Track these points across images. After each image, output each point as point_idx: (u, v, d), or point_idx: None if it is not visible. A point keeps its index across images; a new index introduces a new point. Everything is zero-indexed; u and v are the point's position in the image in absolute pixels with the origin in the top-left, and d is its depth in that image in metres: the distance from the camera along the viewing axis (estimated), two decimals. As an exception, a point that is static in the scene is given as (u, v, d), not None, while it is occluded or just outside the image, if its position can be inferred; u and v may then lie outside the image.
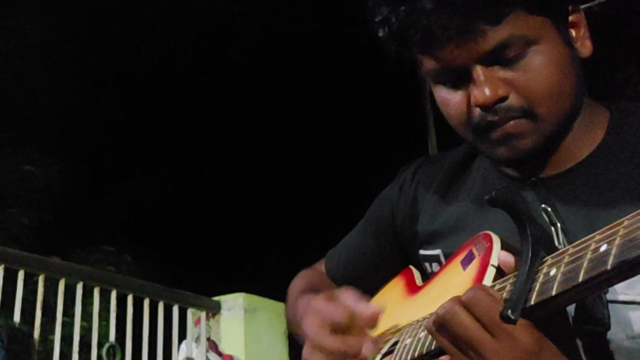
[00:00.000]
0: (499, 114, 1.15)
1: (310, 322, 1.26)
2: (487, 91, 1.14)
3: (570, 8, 1.20)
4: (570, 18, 1.20)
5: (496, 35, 1.12)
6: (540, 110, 1.15)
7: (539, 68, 1.14)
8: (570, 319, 1.05)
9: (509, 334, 0.96)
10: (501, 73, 1.14)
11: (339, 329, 1.23)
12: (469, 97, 1.16)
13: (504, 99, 1.14)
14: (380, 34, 1.21)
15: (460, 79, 1.17)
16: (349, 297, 1.26)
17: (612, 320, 1.05)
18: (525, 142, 1.16)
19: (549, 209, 1.18)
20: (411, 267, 1.44)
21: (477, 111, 1.16)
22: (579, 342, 1.05)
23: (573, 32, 1.20)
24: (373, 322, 1.23)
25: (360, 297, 1.26)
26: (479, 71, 1.14)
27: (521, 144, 1.17)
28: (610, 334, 1.07)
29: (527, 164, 1.22)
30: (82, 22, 10.77)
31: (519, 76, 1.14)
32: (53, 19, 10.00)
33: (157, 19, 11.32)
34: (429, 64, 1.19)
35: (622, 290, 1.06)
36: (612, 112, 1.23)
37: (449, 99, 1.20)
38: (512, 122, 1.15)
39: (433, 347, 1.09)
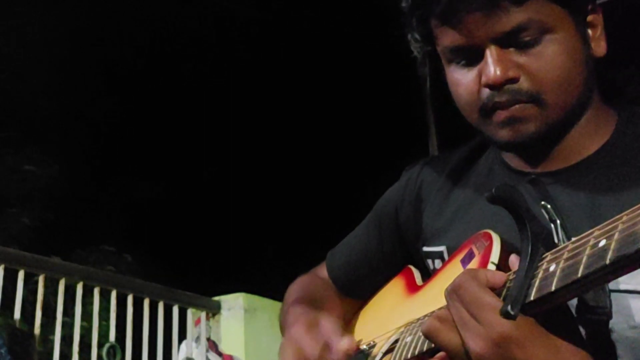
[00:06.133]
0: (507, 95, 1.17)
1: (287, 352, 1.33)
2: (498, 70, 1.16)
3: (589, 7, 1.22)
4: (589, 17, 1.22)
5: (516, 17, 1.15)
6: (548, 97, 1.17)
7: (552, 56, 1.16)
8: (573, 309, 1.05)
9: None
10: (514, 56, 1.17)
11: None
12: (480, 77, 1.19)
13: (513, 80, 1.17)
14: (403, 4, 1.24)
15: (474, 58, 1.19)
16: (327, 329, 1.30)
17: (614, 309, 1.07)
18: (528, 127, 1.18)
19: (549, 206, 1.18)
20: (410, 266, 1.45)
21: (486, 91, 1.19)
22: (581, 332, 1.05)
23: (590, 31, 1.22)
24: (346, 357, 1.27)
25: (338, 329, 1.30)
26: (493, 51, 1.17)
27: (524, 128, 1.18)
28: (612, 323, 1.08)
29: (531, 153, 1.24)
30: (83, 22, 10.77)
31: (532, 61, 1.16)
32: (53, 19, 10.00)
33: (159, 19, 11.32)
34: (445, 38, 1.21)
35: (623, 280, 1.06)
36: (621, 114, 1.25)
37: (460, 78, 1.22)
38: (517, 106, 1.17)
39: (433, 345, 1.09)
